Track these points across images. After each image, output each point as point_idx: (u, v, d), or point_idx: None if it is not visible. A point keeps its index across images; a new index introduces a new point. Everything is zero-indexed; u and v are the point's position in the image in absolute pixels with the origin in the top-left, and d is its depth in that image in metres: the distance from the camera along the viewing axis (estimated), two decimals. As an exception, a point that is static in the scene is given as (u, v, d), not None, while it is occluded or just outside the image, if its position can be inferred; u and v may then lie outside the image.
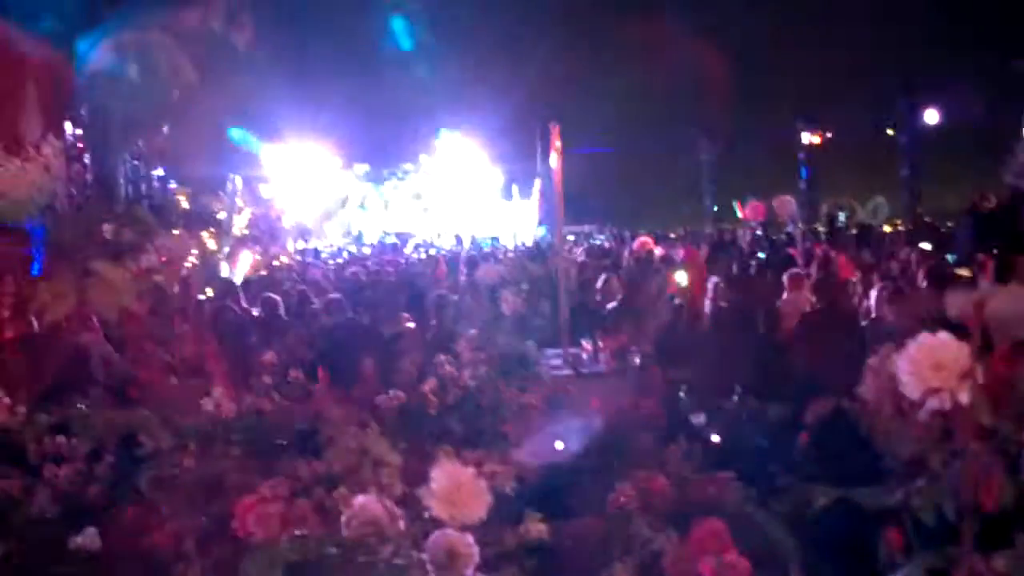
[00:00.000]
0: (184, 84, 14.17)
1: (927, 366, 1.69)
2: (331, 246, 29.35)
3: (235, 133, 24.69)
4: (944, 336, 1.73)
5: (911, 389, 1.71)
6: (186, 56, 14.03)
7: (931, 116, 26.48)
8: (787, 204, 23.02)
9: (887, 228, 21.95)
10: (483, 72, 25.34)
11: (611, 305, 10.26)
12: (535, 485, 2.72)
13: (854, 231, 20.11)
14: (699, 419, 6.95)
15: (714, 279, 9.95)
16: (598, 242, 25.39)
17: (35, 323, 8.51)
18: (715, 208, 28.68)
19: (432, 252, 24.85)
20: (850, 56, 24.60)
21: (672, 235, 23.41)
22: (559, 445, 4.23)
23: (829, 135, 27.71)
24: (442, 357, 6.36)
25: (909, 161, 26.77)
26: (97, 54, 13.32)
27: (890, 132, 27.28)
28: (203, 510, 3.62)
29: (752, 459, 4.50)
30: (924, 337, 1.74)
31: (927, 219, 23.28)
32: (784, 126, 27.65)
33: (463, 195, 32.46)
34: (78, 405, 5.63)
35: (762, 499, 3.08)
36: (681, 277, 10.39)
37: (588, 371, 8.18)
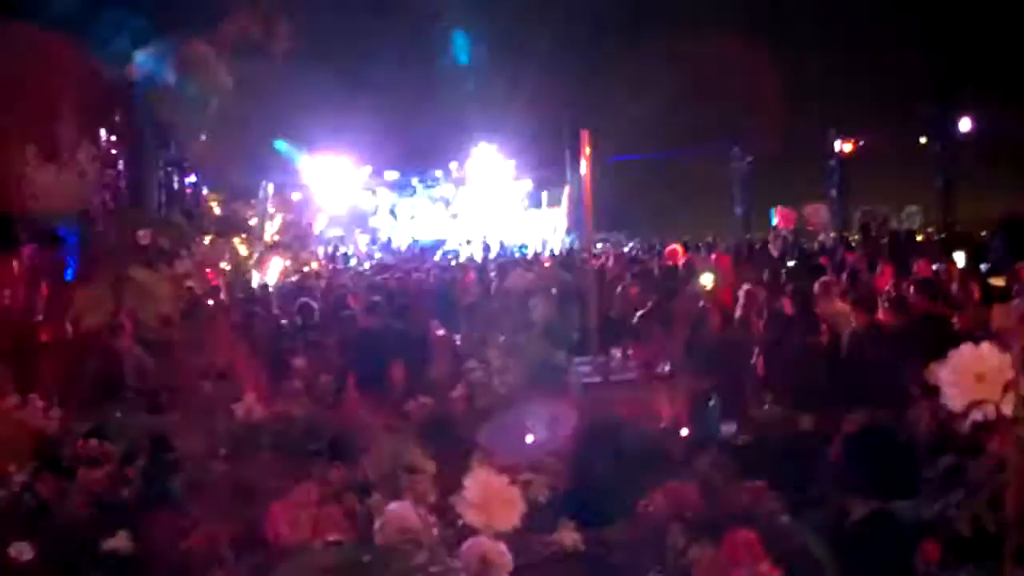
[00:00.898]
0: (218, 91, 14.30)
1: (969, 377, 1.67)
2: (360, 253, 29.46)
3: (267, 140, 24.88)
4: (987, 347, 1.70)
5: (953, 400, 1.68)
6: (221, 64, 14.15)
7: (964, 124, 26.21)
8: (819, 212, 22.86)
9: (920, 237, 21.73)
10: (513, 79, 25.34)
11: (640, 313, 10.21)
12: (567, 493, 2.71)
13: (885, 240, 19.91)
14: (729, 428, 6.92)
15: (745, 287, 9.88)
16: (625, 250, 25.30)
17: (70, 329, 8.60)
18: (746, 216, 28.48)
19: (461, 259, 24.87)
20: (883, 64, 24.40)
21: (700, 244, 23.29)
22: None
23: (862, 143, 27.48)
24: (472, 364, 6.38)
25: (942, 169, 26.51)
26: (136, 63, 13.46)
27: (923, 140, 27.03)
28: (234, 514, 3.63)
29: (783, 469, 4.46)
30: (966, 348, 1.72)
31: (958, 228, 23.03)
32: (816, 134, 27.45)
33: (492, 203, 32.49)
34: (111, 410, 5.69)
35: (795, 510, 3.05)
36: (707, 281, 10.34)
37: (618, 379, 8.15)
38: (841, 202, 26.79)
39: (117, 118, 14.50)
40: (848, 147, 27.65)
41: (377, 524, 1.66)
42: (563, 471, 2.80)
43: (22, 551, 3.91)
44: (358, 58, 25.11)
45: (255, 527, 2.81)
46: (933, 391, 1.84)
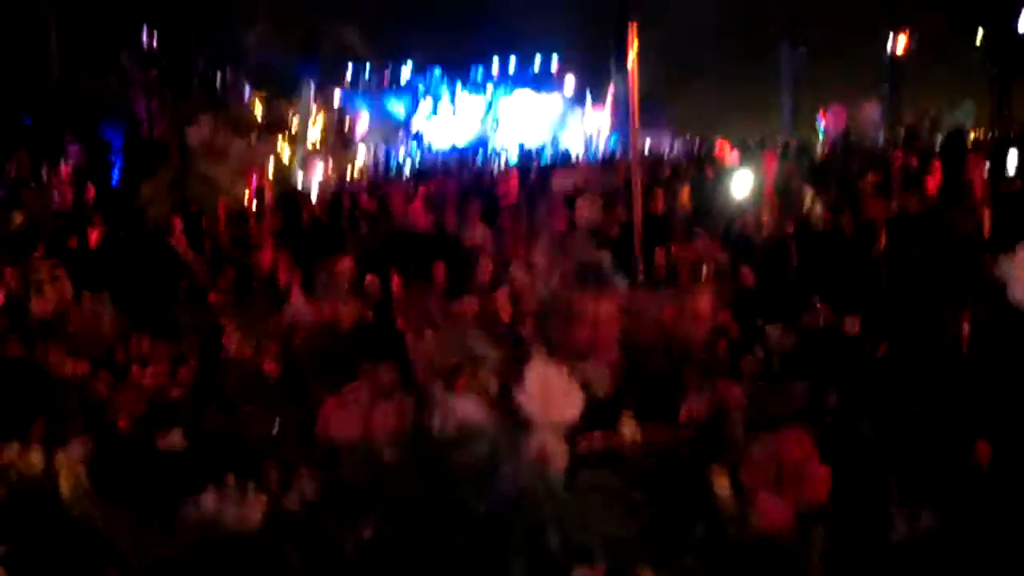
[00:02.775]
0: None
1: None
2: (401, 155, 29.33)
3: (312, 35, 24.64)
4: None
5: (1018, 293, 1.65)
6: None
7: (1024, 18, 25.25)
8: (870, 112, 22.31)
9: (972, 135, 21.18)
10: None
11: (685, 214, 10.11)
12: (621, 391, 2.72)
13: (936, 140, 19.38)
14: (774, 330, 6.88)
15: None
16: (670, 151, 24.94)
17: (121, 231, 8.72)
18: (794, 116, 27.85)
19: (504, 161, 24.70)
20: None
21: (750, 142, 22.88)
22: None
23: (917, 38, 26.62)
24: (516, 266, 6.37)
25: (998, 65, 25.66)
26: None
27: (980, 36, 26.12)
28: (285, 414, 3.70)
29: (829, 371, 4.44)
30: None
31: (1015, 127, 22.38)
32: (870, 29, 26.62)
33: (534, 104, 32.10)
34: (164, 310, 5.78)
35: (844, 409, 3.05)
36: (749, 180, 10.21)
37: (662, 281, 8.10)
38: (893, 100, 26.10)
39: (160, 15, 14.42)
40: (903, 45, 26.79)
41: (436, 418, 1.67)
42: (618, 368, 2.81)
43: (78, 448, 4.00)
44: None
45: (307, 426, 2.86)
46: (992, 287, 1.80)
